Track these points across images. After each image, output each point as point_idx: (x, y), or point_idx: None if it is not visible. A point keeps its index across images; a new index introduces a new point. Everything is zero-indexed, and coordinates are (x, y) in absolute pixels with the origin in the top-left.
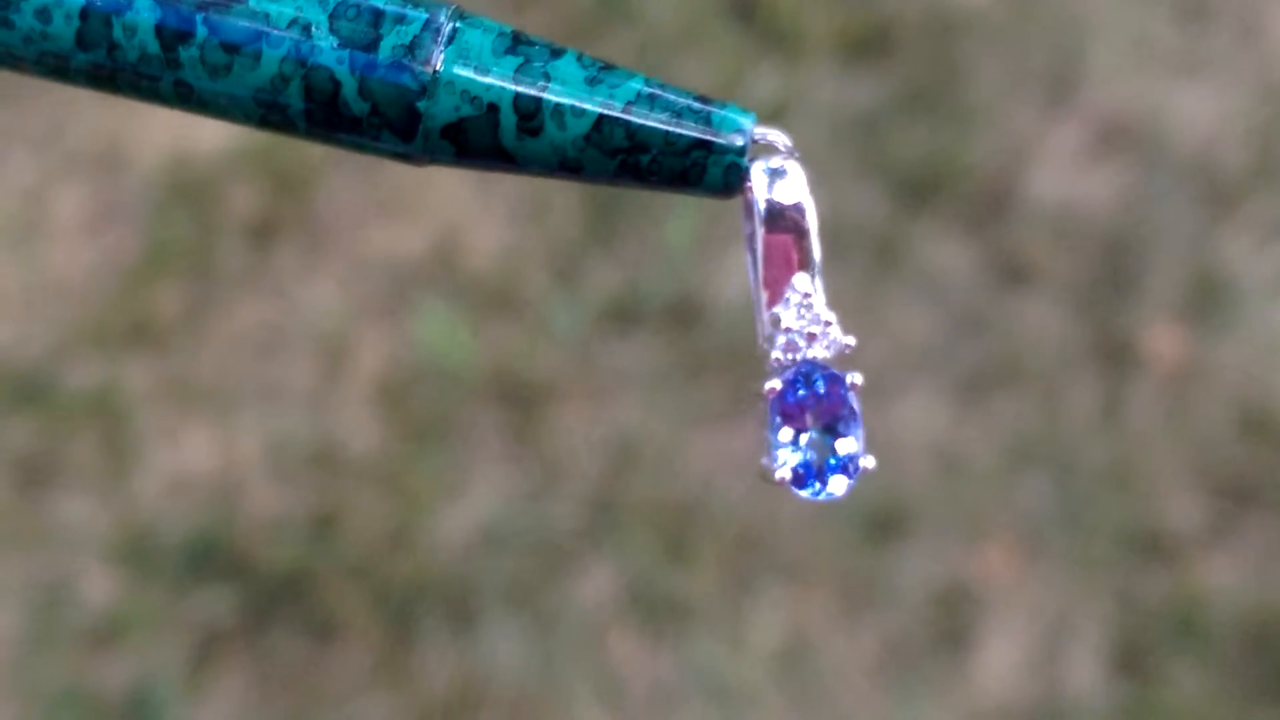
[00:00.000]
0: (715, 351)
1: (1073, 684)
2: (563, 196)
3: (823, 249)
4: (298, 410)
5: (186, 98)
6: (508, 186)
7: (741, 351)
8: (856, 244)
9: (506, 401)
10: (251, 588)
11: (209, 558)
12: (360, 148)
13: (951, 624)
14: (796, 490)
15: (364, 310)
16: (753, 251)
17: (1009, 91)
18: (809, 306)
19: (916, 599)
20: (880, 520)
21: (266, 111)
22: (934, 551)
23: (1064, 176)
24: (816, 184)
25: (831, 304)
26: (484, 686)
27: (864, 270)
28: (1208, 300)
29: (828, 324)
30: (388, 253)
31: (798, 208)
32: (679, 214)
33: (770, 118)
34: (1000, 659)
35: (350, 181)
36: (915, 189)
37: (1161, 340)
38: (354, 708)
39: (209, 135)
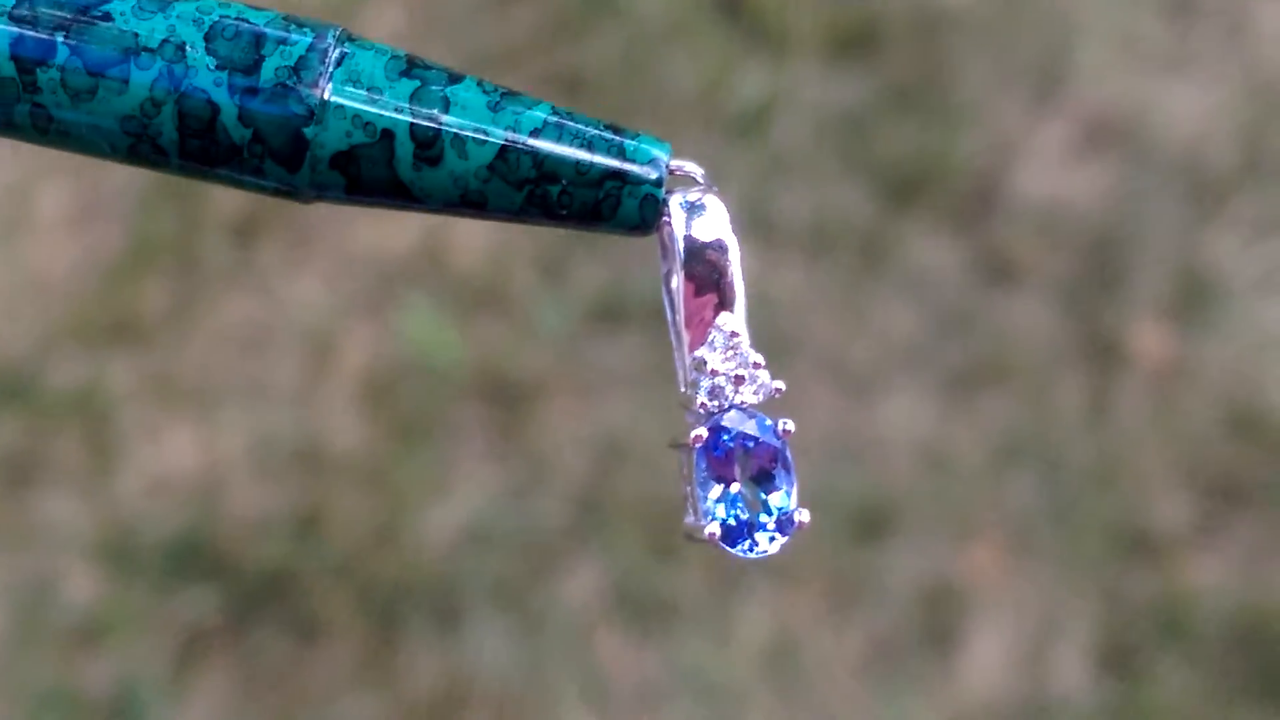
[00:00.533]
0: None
1: (1060, 682)
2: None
3: (802, 254)
4: (282, 408)
5: (44, 129)
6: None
7: None
8: (843, 242)
9: (493, 400)
10: (235, 587)
11: (192, 557)
12: (240, 183)
13: (938, 622)
14: (726, 548)
15: (349, 308)
16: (669, 292)
17: (996, 89)
18: (736, 347)
19: (903, 597)
20: (867, 518)
21: (135, 142)
22: (921, 550)
23: (1051, 174)
24: (804, 184)
25: (809, 307)
26: (469, 686)
27: (850, 268)
28: (1195, 298)
29: (756, 365)
30: (373, 250)
31: (718, 245)
32: None
33: (756, 115)
34: (987, 657)
35: None
36: (902, 187)
37: (1148, 338)
38: (338, 708)
39: None
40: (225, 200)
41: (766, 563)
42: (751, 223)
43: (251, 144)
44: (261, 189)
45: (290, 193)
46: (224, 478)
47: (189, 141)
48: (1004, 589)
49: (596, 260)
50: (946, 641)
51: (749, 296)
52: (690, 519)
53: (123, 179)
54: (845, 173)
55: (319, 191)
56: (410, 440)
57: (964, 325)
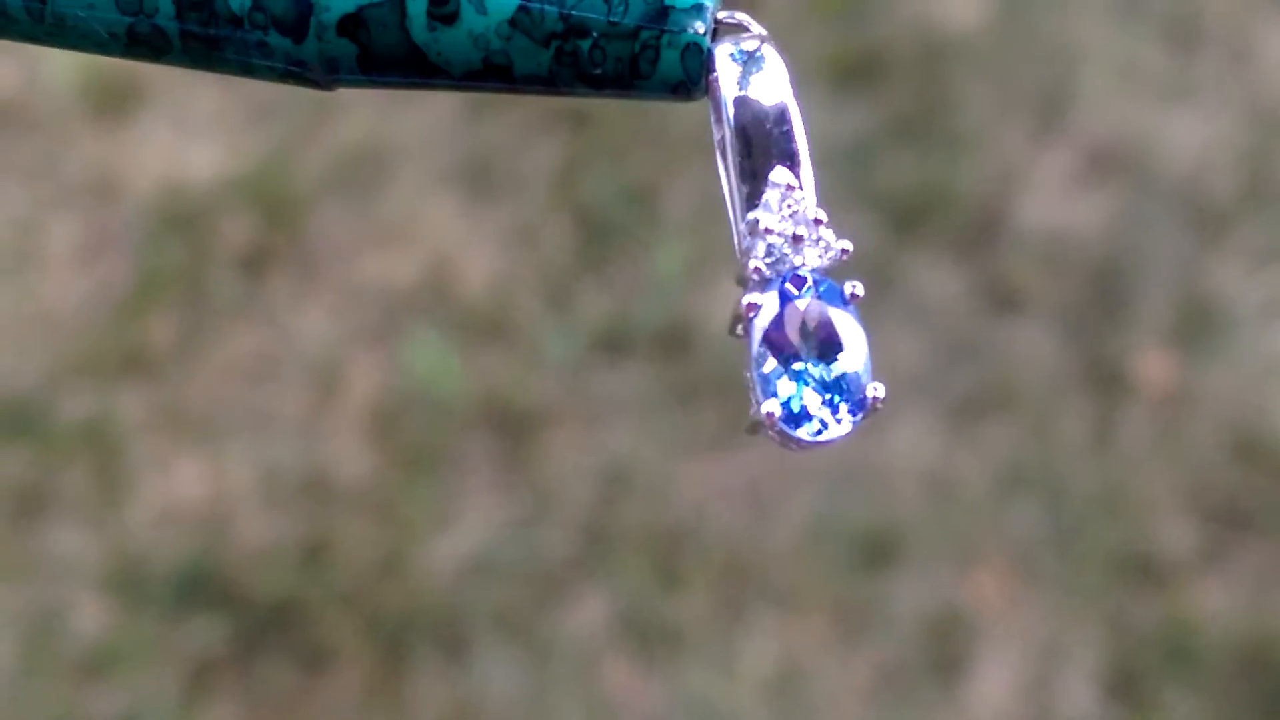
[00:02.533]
0: (706, 379)
1: (1066, 710)
2: (554, 223)
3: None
4: (289, 439)
5: (39, 15)
6: (499, 213)
7: (733, 379)
8: (847, 270)
9: (498, 429)
10: (243, 617)
11: (200, 587)
12: (249, 67)
13: (944, 650)
14: (788, 430)
15: (355, 339)
16: (724, 156)
17: (999, 118)
18: (794, 204)
19: (909, 625)
20: (872, 546)
21: (134, 21)
22: (926, 577)
23: (1054, 203)
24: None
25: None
26: (476, 715)
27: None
28: (1198, 326)
29: (818, 223)
30: (379, 281)
31: (778, 108)
32: (670, 241)
33: None
34: (993, 685)
35: (342, 211)
36: (906, 216)
37: (1152, 366)
38: None
39: (201, 165)
40: (233, 233)
41: (761, 578)
42: None
43: (253, 12)
44: (272, 71)
45: (304, 74)
46: (232, 508)
47: (187, 15)
48: (1010, 616)
49: (601, 290)
50: (953, 669)
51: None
52: (753, 406)
53: (130, 213)
54: (849, 202)
55: (332, 70)
56: (416, 470)
57: (968, 353)
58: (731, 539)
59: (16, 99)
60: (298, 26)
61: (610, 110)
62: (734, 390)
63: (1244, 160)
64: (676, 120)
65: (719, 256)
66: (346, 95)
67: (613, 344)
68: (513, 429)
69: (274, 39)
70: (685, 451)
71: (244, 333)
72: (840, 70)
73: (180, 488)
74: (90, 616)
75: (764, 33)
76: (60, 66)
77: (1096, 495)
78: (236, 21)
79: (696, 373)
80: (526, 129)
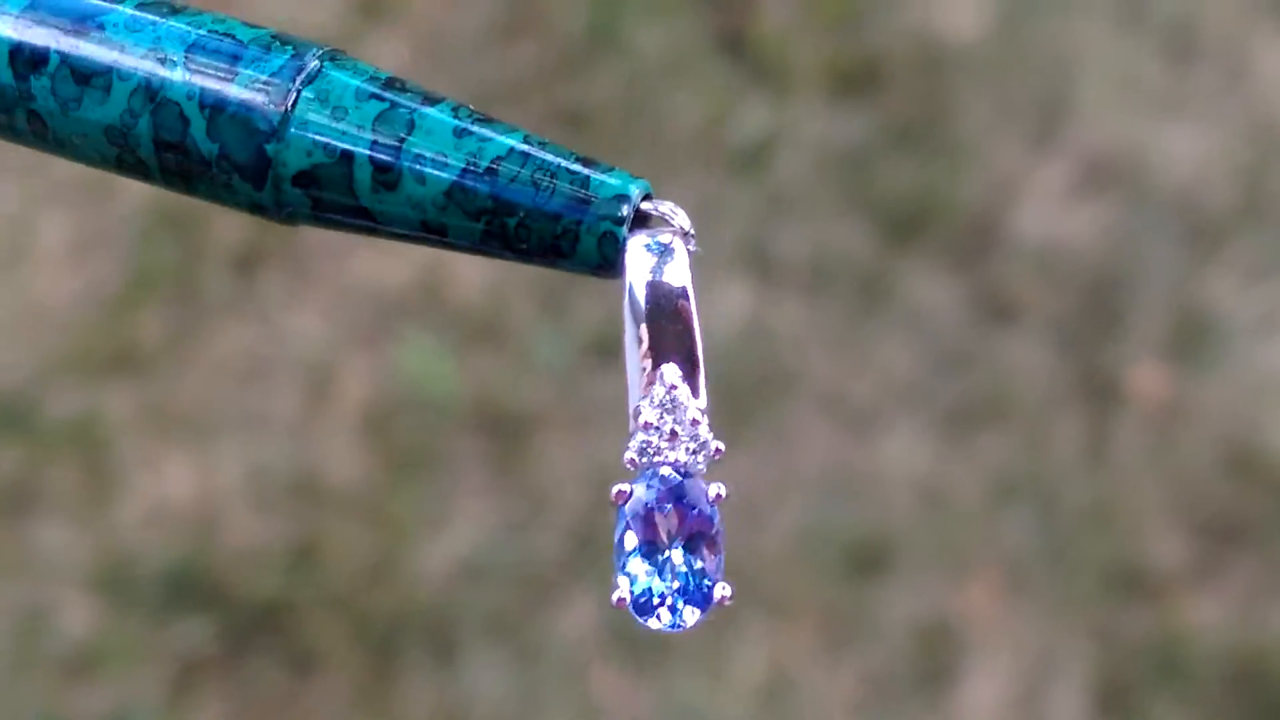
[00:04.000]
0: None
1: None
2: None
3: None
4: (280, 440)
5: (43, 136)
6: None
7: (724, 383)
8: (842, 279)
9: (490, 432)
10: (231, 618)
11: (189, 587)
12: (218, 198)
13: (934, 660)
14: (639, 618)
15: (348, 340)
16: (626, 336)
17: (996, 128)
18: (675, 403)
19: (899, 635)
20: (863, 555)
21: (121, 151)
22: (917, 587)
23: (1050, 214)
24: (804, 221)
25: (809, 344)
26: (465, 719)
27: (849, 306)
28: (1193, 339)
29: (694, 423)
30: (372, 282)
31: (680, 293)
32: None
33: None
34: (983, 696)
35: None
36: (901, 225)
37: (1146, 378)
38: None
39: None
40: (225, 232)
41: (750, 587)
42: (751, 259)
43: (220, 159)
44: (238, 205)
45: (264, 212)
46: (221, 508)
47: (164, 155)
48: (1000, 627)
49: (595, 294)
50: (942, 680)
51: (735, 334)
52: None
53: (123, 210)
54: (845, 210)
55: (289, 211)
56: (407, 473)
57: (962, 364)
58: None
59: None
60: (258, 176)
61: (607, 114)
62: (726, 396)
63: (1240, 174)
64: (674, 123)
65: (712, 263)
66: None
67: (605, 348)
68: (504, 432)
69: (237, 183)
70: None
71: (235, 332)
72: (838, 78)
73: (169, 487)
74: (77, 615)
75: (685, 226)
76: None
77: (1088, 507)
78: (206, 165)
79: None
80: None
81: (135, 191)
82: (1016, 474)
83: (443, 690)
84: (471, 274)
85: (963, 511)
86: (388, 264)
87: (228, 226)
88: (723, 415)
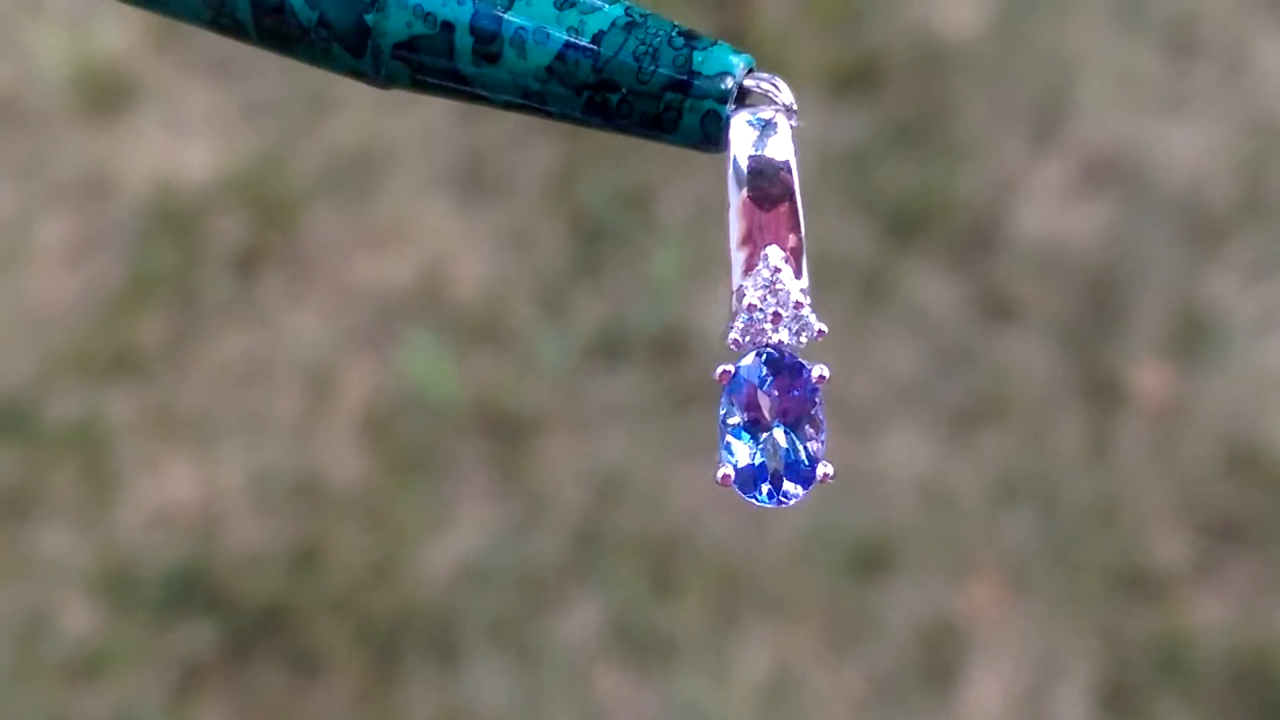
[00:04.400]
0: (702, 385)
1: None
2: (549, 227)
3: (810, 271)
4: (281, 442)
5: None
6: (494, 216)
7: None
8: (844, 278)
9: (492, 434)
10: (233, 620)
11: (191, 590)
12: (317, 62)
13: (937, 660)
14: (742, 493)
15: (349, 341)
16: (730, 213)
17: (996, 127)
18: (779, 284)
19: (902, 634)
20: (866, 555)
21: (216, 13)
22: (920, 587)
23: (1050, 212)
24: (805, 220)
25: (810, 343)
26: None
27: (851, 304)
28: (1194, 337)
29: (798, 305)
30: (373, 283)
31: (784, 166)
32: (667, 246)
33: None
34: (986, 696)
35: (336, 211)
36: (902, 224)
37: (1148, 377)
38: None
39: (194, 164)
40: (226, 233)
41: (755, 588)
42: None
43: (318, 27)
44: (337, 69)
45: (363, 77)
46: (223, 511)
47: (262, 20)
48: (1003, 627)
49: (597, 294)
50: (946, 679)
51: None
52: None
53: (122, 211)
54: (846, 209)
55: (388, 77)
56: (409, 475)
57: (963, 363)
58: (725, 546)
59: (9, 95)
60: (357, 46)
61: None
62: None
63: (1241, 171)
64: None
65: (715, 261)
66: (340, 95)
67: (608, 349)
68: (506, 434)
69: (336, 50)
70: (680, 458)
71: (236, 334)
72: (838, 77)
73: (170, 490)
74: (79, 618)
75: (789, 102)
76: (53, 63)
77: (1091, 506)
78: (304, 31)
79: (692, 378)
80: (522, 131)
81: (134, 192)
82: (1018, 473)
83: (445, 692)
84: (472, 274)
85: (965, 511)
86: (388, 265)
87: (228, 228)
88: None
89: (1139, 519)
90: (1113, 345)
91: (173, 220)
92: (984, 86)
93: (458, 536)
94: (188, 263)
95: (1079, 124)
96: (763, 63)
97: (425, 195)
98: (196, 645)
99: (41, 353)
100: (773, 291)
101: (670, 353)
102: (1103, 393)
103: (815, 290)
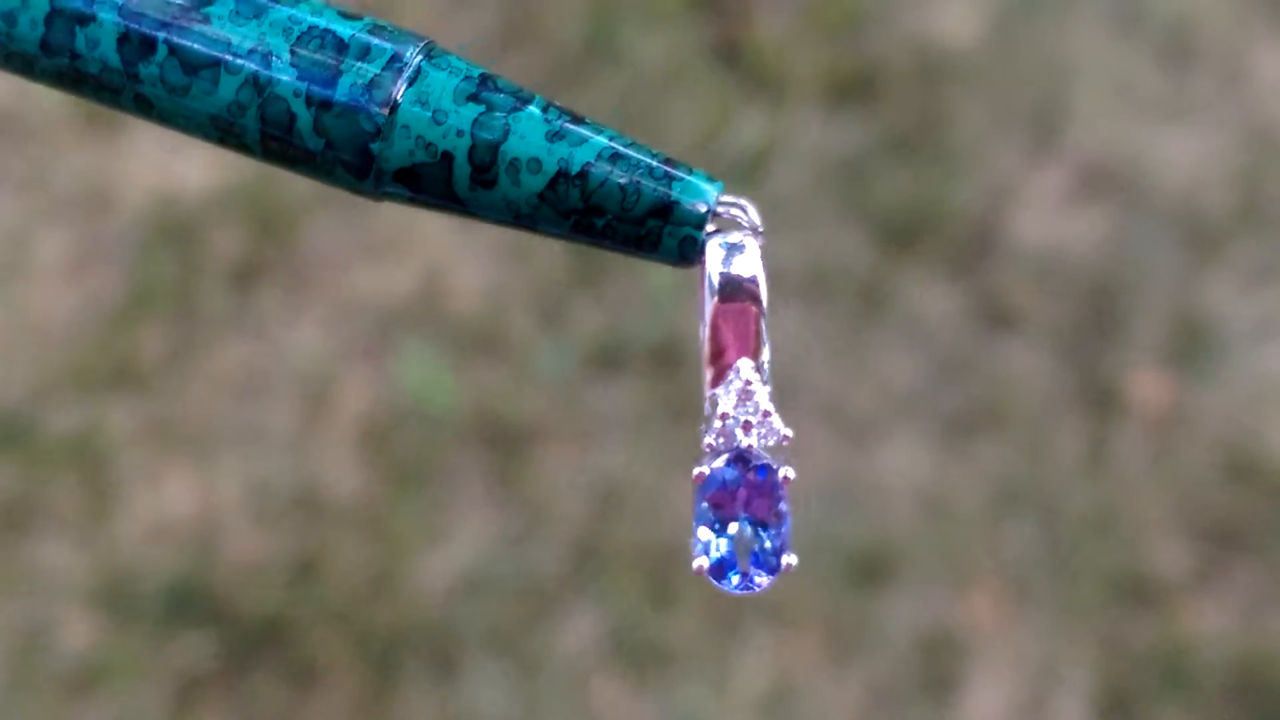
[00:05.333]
0: (699, 396)
1: None
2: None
3: (801, 300)
4: (280, 453)
5: (147, 111)
6: (492, 228)
7: None
8: (841, 288)
9: (490, 445)
10: (232, 633)
11: (189, 602)
12: (316, 177)
13: (937, 669)
14: (715, 581)
15: (347, 353)
16: (703, 327)
17: (993, 136)
18: (749, 395)
19: (902, 644)
20: (866, 565)
21: (224, 135)
22: (919, 596)
23: (1048, 221)
24: (802, 230)
25: (811, 349)
26: None
27: (849, 314)
28: (1192, 345)
29: (767, 414)
30: (371, 295)
31: (751, 281)
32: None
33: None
34: (986, 705)
35: (334, 224)
36: (900, 233)
37: (1146, 385)
38: None
39: (193, 177)
40: (224, 246)
41: (754, 598)
42: None
43: (324, 151)
44: (335, 185)
45: (361, 194)
46: (221, 523)
47: (269, 143)
48: (1003, 636)
49: (595, 305)
50: (945, 689)
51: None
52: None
53: (122, 225)
54: (843, 218)
55: (386, 197)
56: (408, 486)
57: (962, 371)
58: None
59: (8, 109)
60: (361, 170)
61: (605, 122)
62: None
63: (1238, 179)
64: (671, 133)
65: None
66: None
67: (606, 360)
68: (504, 445)
69: (340, 174)
70: (678, 468)
71: (234, 346)
72: (836, 86)
73: (169, 502)
74: (78, 631)
75: (755, 223)
76: None
77: (1090, 515)
78: (310, 155)
79: (689, 389)
80: None
81: (133, 206)
82: (1017, 482)
83: (443, 704)
84: (470, 286)
85: (964, 520)
86: (387, 276)
87: (226, 240)
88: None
89: (1138, 527)
90: (1111, 353)
91: (172, 233)
92: (981, 95)
93: (456, 547)
94: (187, 275)
95: (1076, 132)
96: (759, 74)
97: None
98: (196, 657)
99: (41, 365)
100: (744, 401)
101: (668, 363)
102: (1101, 401)
103: (815, 300)
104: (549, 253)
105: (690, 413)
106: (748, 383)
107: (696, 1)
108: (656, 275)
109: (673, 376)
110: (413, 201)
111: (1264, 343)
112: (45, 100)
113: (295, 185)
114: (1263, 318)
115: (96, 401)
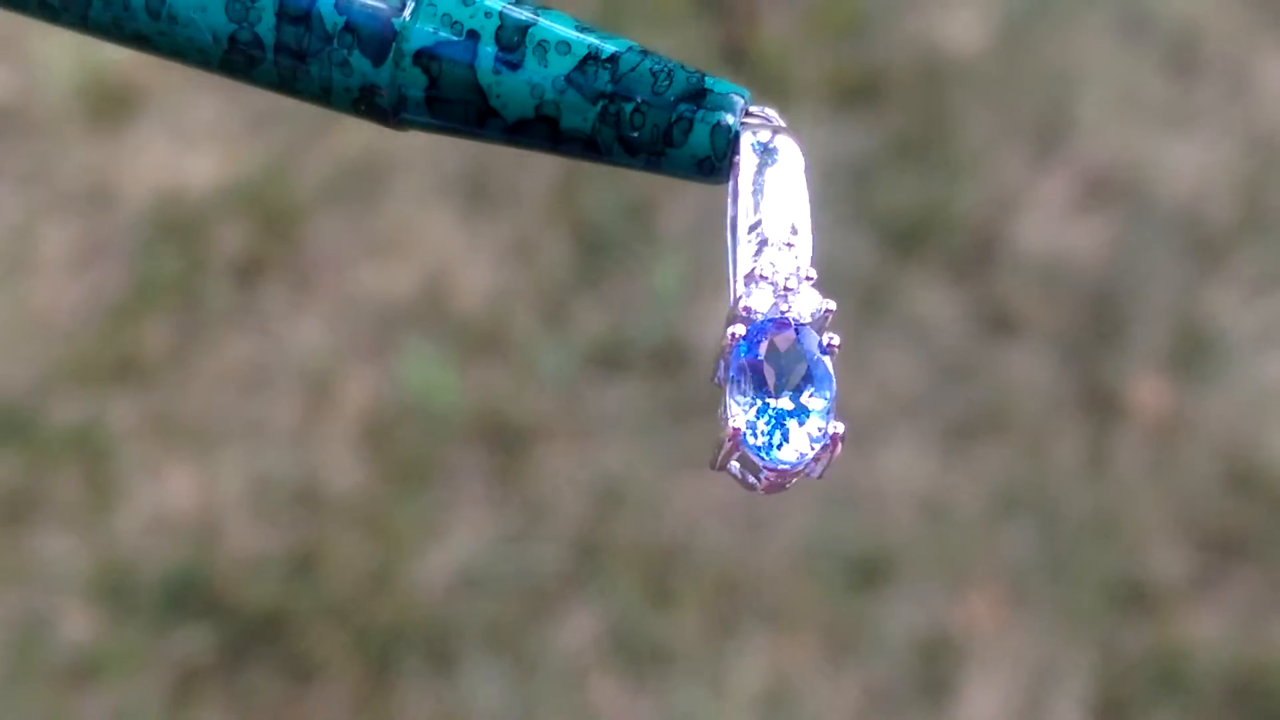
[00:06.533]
0: (701, 396)
1: None
2: (552, 238)
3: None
4: (281, 449)
5: (156, 12)
6: (497, 227)
7: None
8: (844, 291)
9: (491, 443)
10: (231, 627)
11: (189, 596)
12: (327, 88)
13: (934, 672)
14: (748, 450)
15: (350, 350)
16: (733, 233)
17: (997, 142)
18: (792, 260)
19: (900, 646)
20: (864, 567)
21: (237, 28)
22: (918, 599)
23: (1051, 227)
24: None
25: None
26: None
27: (851, 317)
28: (1194, 352)
29: (809, 279)
30: (375, 292)
31: (791, 189)
32: (667, 258)
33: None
34: (983, 708)
35: (338, 222)
36: (903, 237)
37: (1147, 392)
38: None
39: (198, 173)
40: (228, 242)
41: (753, 598)
42: None
43: (343, 33)
44: (347, 95)
45: (375, 101)
46: (222, 517)
47: (285, 29)
48: (1001, 640)
49: (597, 306)
50: (943, 692)
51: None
52: (721, 418)
53: (125, 219)
54: (847, 223)
55: (400, 102)
56: (408, 483)
57: (963, 376)
58: (723, 557)
59: (14, 103)
60: (380, 51)
61: None
62: None
63: (1242, 187)
64: None
65: (716, 274)
66: None
67: (608, 360)
68: (506, 443)
69: (356, 59)
70: (678, 468)
71: (237, 341)
72: (840, 91)
73: (170, 496)
74: (78, 624)
75: (784, 126)
76: (59, 71)
77: (1090, 520)
78: (327, 39)
79: (691, 390)
80: None
81: (138, 201)
82: (1017, 487)
83: (441, 700)
84: (473, 284)
85: (963, 524)
86: (390, 274)
87: (231, 236)
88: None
89: (1137, 533)
90: (1112, 360)
91: (176, 228)
92: (986, 101)
93: (456, 545)
94: (190, 271)
95: (1080, 139)
96: (765, 77)
97: (428, 205)
98: (194, 650)
99: (44, 359)
100: (786, 268)
101: (670, 364)
102: (1102, 407)
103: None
104: (553, 253)
105: (693, 413)
106: (789, 245)
107: (702, 4)
108: (659, 276)
109: (674, 377)
110: (429, 106)
111: (1265, 351)
112: (51, 95)
113: (300, 182)
114: (1264, 326)
115: (99, 395)
